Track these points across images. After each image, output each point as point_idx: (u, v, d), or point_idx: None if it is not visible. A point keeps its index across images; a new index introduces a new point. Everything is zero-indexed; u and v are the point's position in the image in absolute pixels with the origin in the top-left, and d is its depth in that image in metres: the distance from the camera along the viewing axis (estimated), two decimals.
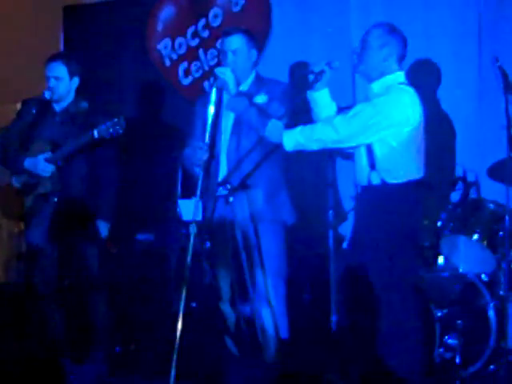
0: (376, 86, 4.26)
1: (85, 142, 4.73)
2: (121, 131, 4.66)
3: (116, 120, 4.66)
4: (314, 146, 4.22)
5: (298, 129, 4.22)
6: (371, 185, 4.23)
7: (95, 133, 4.67)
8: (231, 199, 4.30)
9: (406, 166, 4.19)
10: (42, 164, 4.83)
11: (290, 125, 4.29)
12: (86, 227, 4.89)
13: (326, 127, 4.18)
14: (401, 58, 4.27)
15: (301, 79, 4.42)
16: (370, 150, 4.18)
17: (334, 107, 4.41)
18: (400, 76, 4.26)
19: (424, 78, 5.34)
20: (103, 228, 4.94)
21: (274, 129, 4.26)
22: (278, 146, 4.26)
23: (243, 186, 4.28)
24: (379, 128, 4.11)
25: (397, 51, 4.24)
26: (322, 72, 4.25)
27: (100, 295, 4.98)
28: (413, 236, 4.26)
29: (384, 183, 4.19)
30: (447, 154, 5.52)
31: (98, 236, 4.92)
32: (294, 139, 4.20)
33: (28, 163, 4.89)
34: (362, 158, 4.24)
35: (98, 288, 4.94)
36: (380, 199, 4.19)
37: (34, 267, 4.95)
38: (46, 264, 4.91)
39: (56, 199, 4.85)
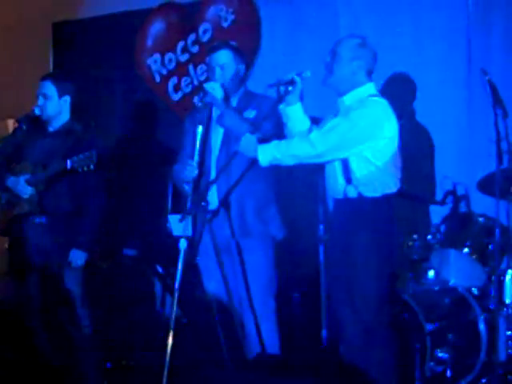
0: (347, 99, 4.21)
1: (57, 170, 4.66)
2: (92, 167, 4.54)
3: (88, 154, 4.56)
4: (290, 162, 4.14)
5: (273, 144, 4.15)
6: (347, 198, 4.19)
7: (68, 163, 4.59)
8: (208, 217, 4.31)
9: (383, 180, 4.15)
10: (21, 185, 4.78)
11: (280, 139, 4.27)
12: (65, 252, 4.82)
13: (303, 143, 4.12)
14: (370, 72, 4.23)
15: (273, 92, 4.35)
16: (345, 163, 4.15)
17: (307, 122, 4.33)
18: (371, 88, 4.23)
19: (400, 90, 5.36)
20: (80, 257, 4.80)
21: (247, 143, 4.19)
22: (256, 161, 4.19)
23: (223, 204, 4.25)
24: (356, 142, 4.08)
25: (366, 65, 4.20)
26: (292, 82, 4.18)
27: (82, 315, 4.91)
28: (390, 249, 4.22)
29: (361, 197, 4.15)
30: (426, 165, 5.53)
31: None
32: (269, 154, 4.12)
33: (10, 182, 4.85)
34: (336, 171, 4.20)
35: (78, 309, 4.87)
36: (357, 212, 4.15)
37: (20, 284, 4.93)
38: (30, 282, 4.88)
39: (37, 221, 4.82)
